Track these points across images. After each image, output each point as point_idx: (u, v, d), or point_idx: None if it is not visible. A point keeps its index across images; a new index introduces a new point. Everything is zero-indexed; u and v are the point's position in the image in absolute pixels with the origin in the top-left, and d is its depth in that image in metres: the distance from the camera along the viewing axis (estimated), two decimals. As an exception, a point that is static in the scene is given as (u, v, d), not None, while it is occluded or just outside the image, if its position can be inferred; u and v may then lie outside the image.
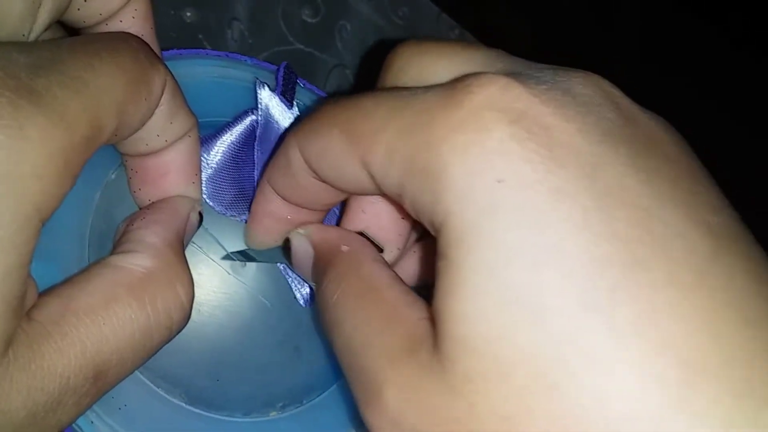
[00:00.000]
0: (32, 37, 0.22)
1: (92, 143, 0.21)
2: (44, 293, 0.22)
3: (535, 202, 0.18)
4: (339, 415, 0.34)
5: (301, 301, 0.34)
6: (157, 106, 0.25)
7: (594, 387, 0.17)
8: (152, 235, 0.26)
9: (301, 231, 0.29)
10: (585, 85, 0.20)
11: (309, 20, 0.50)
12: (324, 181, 0.25)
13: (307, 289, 0.34)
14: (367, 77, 0.52)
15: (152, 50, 0.25)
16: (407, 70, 0.24)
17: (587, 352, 0.17)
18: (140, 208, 0.29)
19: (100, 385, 0.23)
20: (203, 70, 0.33)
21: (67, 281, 0.23)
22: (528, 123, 0.19)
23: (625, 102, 0.21)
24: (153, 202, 0.29)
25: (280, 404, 0.33)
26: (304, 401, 0.33)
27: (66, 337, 0.21)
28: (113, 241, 0.28)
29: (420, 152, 0.20)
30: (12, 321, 0.19)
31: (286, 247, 0.30)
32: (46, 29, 0.23)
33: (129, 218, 0.28)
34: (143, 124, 0.25)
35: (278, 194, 0.28)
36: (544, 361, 0.17)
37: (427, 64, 0.24)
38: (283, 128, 0.33)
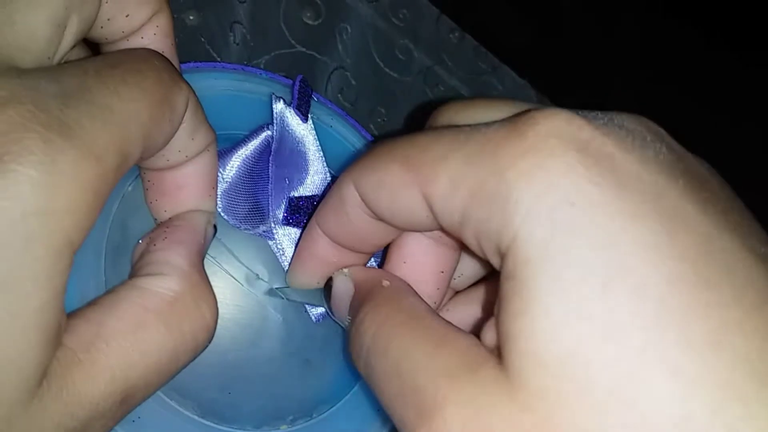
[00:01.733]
0: (57, 57, 0.23)
1: (120, 171, 0.21)
2: (73, 316, 0.23)
3: (604, 222, 0.19)
4: (348, 429, 0.34)
5: (313, 318, 0.35)
6: (180, 124, 0.26)
7: (673, 400, 0.17)
8: (177, 257, 0.27)
9: (345, 271, 0.30)
10: (637, 124, 0.22)
11: (310, 23, 0.51)
12: (378, 218, 0.26)
13: (321, 309, 0.35)
14: (368, 79, 0.53)
15: (174, 68, 0.26)
16: (455, 122, 0.25)
17: (665, 366, 0.18)
18: (157, 222, 0.30)
19: (126, 407, 0.24)
20: (219, 83, 0.34)
21: (96, 303, 0.24)
22: (593, 150, 0.20)
23: (674, 141, 0.22)
24: (170, 219, 0.29)
25: (290, 417, 0.33)
26: (314, 415, 0.34)
27: (96, 364, 0.22)
28: (131, 258, 0.28)
29: (486, 180, 0.21)
30: (49, 352, 0.20)
31: (327, 287, 0.30)
32: (71, 48, 0.24)
33: (148, 237, 0.28)
34: (167, 143, 0.26)
35: (326, 235, 0.29)
36: (621, 376, 0.18)
37: (475, 115, 0.25)
38: (298, 142, 0.34)
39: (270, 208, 0.34)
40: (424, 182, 0.23)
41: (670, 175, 0.20)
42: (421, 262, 0.29)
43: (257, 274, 0.33)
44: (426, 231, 0.27)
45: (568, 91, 0.68)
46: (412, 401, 0.22)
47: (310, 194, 0.35)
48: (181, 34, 0.44)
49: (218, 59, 0.46)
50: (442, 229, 0.24)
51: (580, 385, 0.18)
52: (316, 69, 0.51)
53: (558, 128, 0.20)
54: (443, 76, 0.58)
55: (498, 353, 0.21)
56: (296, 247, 0.33)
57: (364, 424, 0.34)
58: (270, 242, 0.35)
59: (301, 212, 0.34)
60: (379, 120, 0.53)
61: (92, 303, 0.24)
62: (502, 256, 0.21)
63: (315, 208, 0.34)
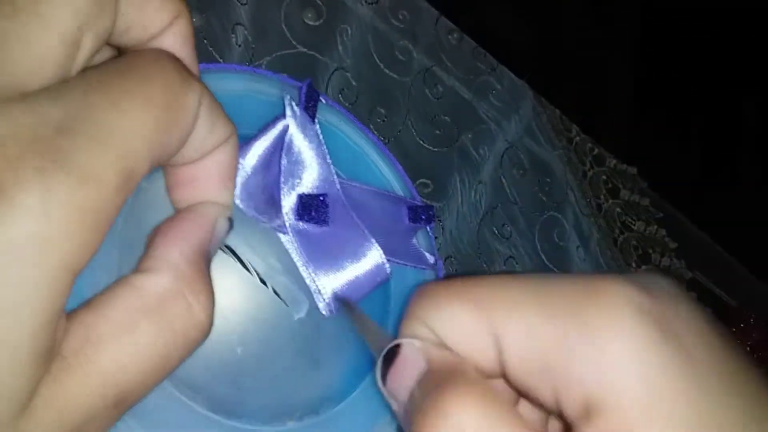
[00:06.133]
0: (74, 71, 0.23)
1: (126, 187, 0.22)
2: (67, 318, 0.23)
3: (679, 384, 0.21)
4: (354, 426, 0.35)
5: (325, 312, 0.36)
6: (194, 125, 0.26)
7: None
8: (174, 252, 0.27)
9: (416, 343, 0.26)
10: (672, 286, 0.24)
11: (311, 23, 0.52)
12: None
13: (329, 298, 0.36)
14: (368, 80, 0.54)
15: (185, 67, 0.26)
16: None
17: None
18: (174, 210, 0.30)
19: (122, 408, 0.24)
20: (230, 84, 0.35)
21: (88, 305, 0.24)
22: (657, 318, 0.22)
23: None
24: (180, 212, 0.29)
25: (298, 414, 0.34)
26: (321, 412, 0.35)
27: (87, 370, 0.22)
28: (144, 249, 0.28)
29: (573, 334, 0.22)
30: (41, 370, 0.21)
31: (389, 353, 0.27)
32: (89, 59, 0.24)
33: (156, 228, 0.28)
34: (182, 145, 0.26)
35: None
36: None
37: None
38: (306, 142, 0.36)
39: (281, 202, 0.35)
40: (497, 325, 0.24)
41: (708, 327, 0.23)
42: None
43: (272, 268, 0.34)
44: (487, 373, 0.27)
45: (566, 91, 0.69)
46: None
47: (317, 193, 0.36)
48: (184, 35, 0.46)
49: (220, 60, 0.47)
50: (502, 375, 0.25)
51: None
52: (317, 69, 0.52)
53: (630, 297, 0.22)
54: (442, 76, 0.60)
55: None
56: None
57: (370, 422, 0.36)
58: (283, 237, 0.36)
59: (312, 209, 0.36)
60: (378, 120, 0.54)
61: (85, 304, 0.24)
62: (589, 405, 0.22)
63: (323, 206, 0.36)
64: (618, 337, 0.22)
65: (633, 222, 0.70)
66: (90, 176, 0.20)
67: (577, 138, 0.68)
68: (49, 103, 0.21)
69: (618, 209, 0.69)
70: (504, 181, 0.60)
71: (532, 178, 0.63)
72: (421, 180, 0.55)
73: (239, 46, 0.49)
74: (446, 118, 0.59)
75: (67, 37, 0.22)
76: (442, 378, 0.24)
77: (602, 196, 0.68)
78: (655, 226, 0.71)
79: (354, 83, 0.54)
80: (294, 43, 0.51)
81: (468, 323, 0.25)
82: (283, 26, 0.51)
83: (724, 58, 0.81)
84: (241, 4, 0.49)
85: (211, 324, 0.27)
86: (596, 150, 0.70)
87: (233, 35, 0.49)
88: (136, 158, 0.22)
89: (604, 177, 0.69)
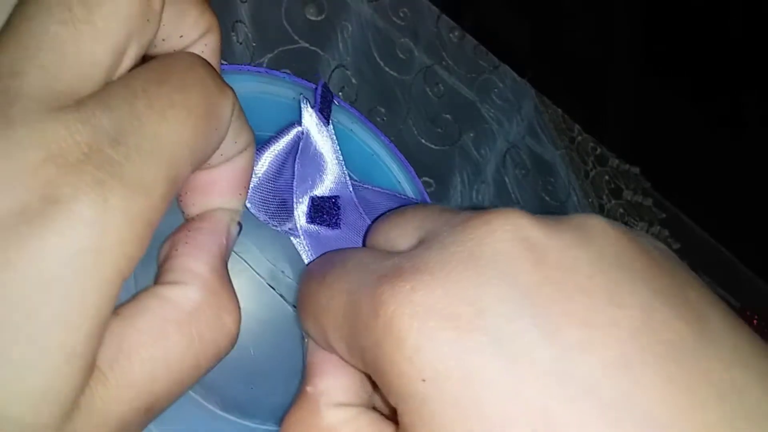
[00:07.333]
0: (117, 76, 0.24)
1: (170, 196, 0.23)
2: None
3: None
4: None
5: None
6: (227, 131, 0.27)
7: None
8: (197, 263, 0.27)
9: (306, 339, 0.32)
10: (496, 242, 0.24)
11: (313, 18, 0.53)
12: None
13: None
14: (368, 78, 0.54)
15: (218, 73, 0.27)
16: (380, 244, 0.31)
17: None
18: (184, 216, 0.31)
19: (150, 416, 0.24)
20: (243, 86, 0.36)
21: (118, 314, 0.24)
22: (436, 314, 0.23)
23: (537, 237, 0.24)
24: (193, 220, 0.30)
25: (310, 413, 0.35)
26: (333, 410, 0.35)
27: (120, 380, 0.23)
28: (157, 259, 0.29)
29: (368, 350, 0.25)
30: (84, 382, 0.21)
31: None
32: (130, 67, 0.24)
33: (171, 239, 0.29)
34: (215, 151, 0.27)
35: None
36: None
37: (390, 235, 0.30)
38: (320, 144, 0.36)
39: (294, 205, 0.36)
40: (329, 340, 0.28)
41: (505, 321, 0.23)
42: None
43: (282, 271, 0.35)
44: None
45: (568, 90, 0.70)
46: None
47: (330, 195, 0.37)
48: (185, 32, 0.46)
49: (222, 60, 0.47)
50: None
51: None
52: (318, 66, 0.52)
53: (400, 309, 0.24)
54: (443, 75, 0.60)
55: None
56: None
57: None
58: (294, 240, 0.36)
59: (324, 212, 0.36)
60: (378, 119, 0.54)
61: (115, 313, 0.24)
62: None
63: (335, 208, 0.36)
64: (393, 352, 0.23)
65: (636, 223, 0.70)
66: (142, 187, 0.21)
67: (579, 137, 0.69)
68: (101, 110, 0.21)
69: (621, 210, 0.70)
70: (507, 181, 0.61)
71: (535, 178, 0.63)
72: (423, 179, 0.55)
73: (240, 43, 0.49)
74: (448, 116, 0.59)
75: (117, 46, 0.23)
76: (302, 389, 0.30)
77: (605, 197, 0.69)
78: (658, 227, 0.71)
79: (354, 81, 0.54)
80: (296, 38, 0.51)
81: (316, 334, 0.29)
82: (284, 22, 0.51)
83: (727, 56, 0.81)
84: (241, 1, 0.50)
85: (238, 333, 0.28)
86: (599, 149, 0.70)
87: (233, 33, 0.49)
88: (180, 166, 0.23)
89: (606, 177, 0.70)
